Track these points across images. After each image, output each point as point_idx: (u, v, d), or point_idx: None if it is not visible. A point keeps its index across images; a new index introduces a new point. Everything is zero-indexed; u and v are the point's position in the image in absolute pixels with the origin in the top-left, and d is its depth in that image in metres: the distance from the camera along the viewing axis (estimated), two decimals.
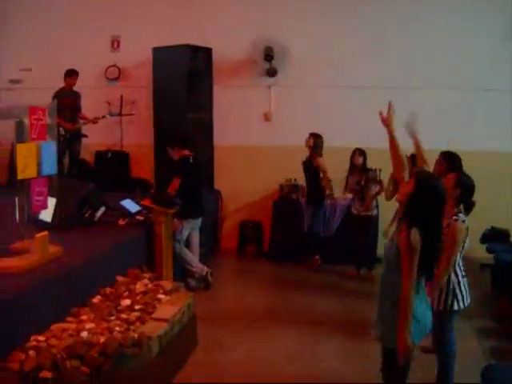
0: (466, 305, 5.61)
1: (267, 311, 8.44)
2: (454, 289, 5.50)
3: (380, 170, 9.84)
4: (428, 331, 4.65)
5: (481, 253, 9.37)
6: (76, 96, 10.64)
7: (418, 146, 5.96)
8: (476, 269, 9.43)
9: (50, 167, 6.24)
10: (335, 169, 9.94)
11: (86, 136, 10.65)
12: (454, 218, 5.36)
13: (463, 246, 5.45)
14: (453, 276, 5.49)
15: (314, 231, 10.26)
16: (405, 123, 5.81)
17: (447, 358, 5.71)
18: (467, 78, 10.55)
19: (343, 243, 10.05)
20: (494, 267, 8.90)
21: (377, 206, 9.92)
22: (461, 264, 5.60)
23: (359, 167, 9.78)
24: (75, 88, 10.58)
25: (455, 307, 5.52)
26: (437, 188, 4.41)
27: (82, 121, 10.60)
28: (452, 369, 5.72)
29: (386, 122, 5.12)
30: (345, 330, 7.57)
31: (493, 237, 9.59)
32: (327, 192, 10.14)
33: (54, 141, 6.65)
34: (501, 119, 10.58)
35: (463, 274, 5.62)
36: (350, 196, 10.10)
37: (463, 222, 5.39)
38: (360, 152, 9.76)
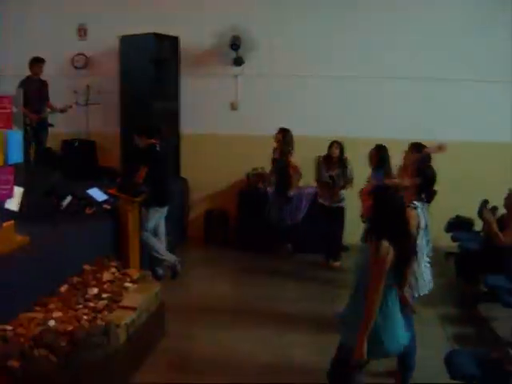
0: (423, 294, 5.74)
1: (235, 300, 8.50)
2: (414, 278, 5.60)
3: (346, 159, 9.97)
4: (402, 347, 4.73)
5: (446, 241, 9.51)
6: (43, 85, 10.54)
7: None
8: (441, 257, 9.55)
9: (16, 156, 6.22)
10: (302, 158, 10.00)
11: (51, 125, 10.57)
12: (409, 205, 5.45)
13: (418, 235, 5.55)
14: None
15: (282, 220, 10.33)
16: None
17: (407, 356, 5.68)
18: (430, 68, 10.67)
19: (311, 231, 10.10)
20: (459, 255, 9.03)
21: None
22: (421, 250, 5.69)
23: (336, 159, 9.81)
24: (42, 77, 10.49)
25: (414, 293, 5.63)
26: (393, 200, 4.56)
27: (48, 110, 10.51)
28: (413, 350, 5.81)
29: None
30: (312, 319, 7.65)
31: (457, 226, 9.73)
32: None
33: (21, 129, 6.63)
34: (464, 109, 10.72)
35: (426, 260, 5.73)
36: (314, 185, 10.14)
37: (415, 208, 5.51)
38: (337, 144, 9.78)
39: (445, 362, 5.20)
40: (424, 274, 5.73)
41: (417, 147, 7.01)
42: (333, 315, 7.06)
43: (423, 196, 5.70)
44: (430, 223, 6.06)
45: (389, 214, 4.46)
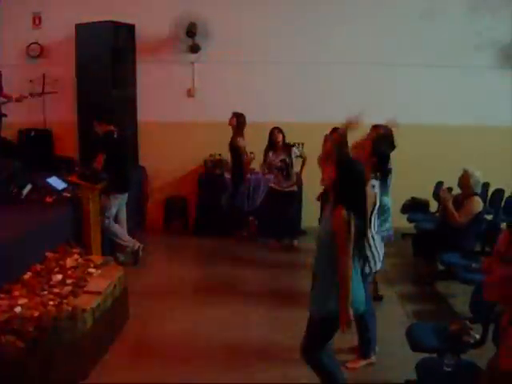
0: (378, 269, 5.92)
1: (196, 284, 8.61)
2: (365, 253, 5.77)
3: (302, 144, 10.10)
4: (362, 307, 4.90)
5: (402, 223, 9.69)
6: None
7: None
8: (398, 238, 9.73)
9: None
10: (256, 145, 10.17)
11: (5, 115, 10.45)
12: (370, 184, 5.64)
13: (373, 212, 5.74)
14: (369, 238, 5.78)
15: (238, 206, 10.45)
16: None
17: (366, 316, 5.92)
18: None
19: (268, 216, 10.22)
20: (415, 236, 9.22)
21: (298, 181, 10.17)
22: (375, 227, 5.88)
23: (280, 144, 9.94)
24: None
25: (366, 270, 5.81)
26: (356, 172, 4.74)
27: (2, 99, 10.41)
28: (372, 322, 6.09)
29: (351, 127, 5.66)
30: (273, 300, 7.80)
31: (413, 207, 9.92)
32: (247, 170, 10.46)
33: None
34: (426, 93, 10.99)
35: (376, 237, 5.91)
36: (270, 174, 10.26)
37: (373, 186, 5.71)
38: (279, 130, 9.91)
39: (406, 335, 5.38)
40: (380, 250, 5.92)
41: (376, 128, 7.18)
42: (291, 294, 7.29)
43: (378, 174, 5.89)
44: (388, 203, 6.27)
45: (351, 184, 4.66)
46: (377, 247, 5.89)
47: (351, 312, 4.62)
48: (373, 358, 6.12)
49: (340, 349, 6.12)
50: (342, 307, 4.59)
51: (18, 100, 10.10)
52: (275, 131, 9.89)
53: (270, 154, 9.96)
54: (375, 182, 5.80)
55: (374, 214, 5.75)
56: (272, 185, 10.10)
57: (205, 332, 6.85)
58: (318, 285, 4.85)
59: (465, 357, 4.86)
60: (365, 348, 6.13)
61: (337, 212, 4.55)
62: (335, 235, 4.57)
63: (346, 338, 5.79)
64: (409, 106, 10.62)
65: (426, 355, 5.02)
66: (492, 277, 2.21)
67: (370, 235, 5.77)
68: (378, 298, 7.54)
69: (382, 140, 6.38)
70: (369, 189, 5.57)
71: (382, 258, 5.99)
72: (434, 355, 4.94)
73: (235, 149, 10.23)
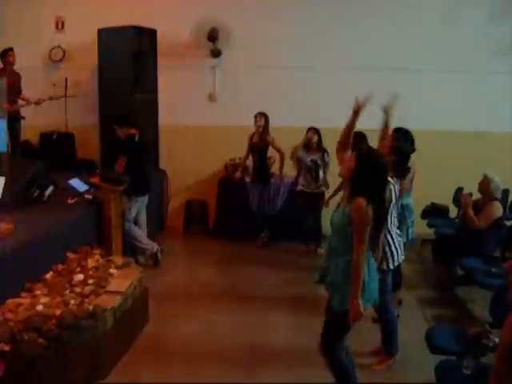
0: (396, 265, 5.93)
1: (216, 287, 8.63)
2: (385, 250, 5.80)
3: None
4: (374, 299, 4.91)
5: (422, 229, 9.68)
6: (16, 77, 10.56)
7: (387, 125, 6.24)
8: (417, 244, 9.74)
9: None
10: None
11: (23, 118, 10.54)
12: None
13: (392, 210, 5.82)
14: (388, 237, 5.80)
15: (261, 209, 10.49)
16: (385, 104, 6.09)
17: (388, 315, 6.08)
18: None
19: (290, 220, 10.24)
20: (435, 241, 9.20)
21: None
22: (393, 224, 5.93)
23: (314, 146, 9.94)
24: (18, 69, 10.51)
25: (390, 266, 5.86)
26: (378, 163, 4.72)
27: (21, 102, 10.51)
28: (394, 322, 6.09)
29: (358, 109, 5.31)
30: (293, 304, 7.82)
31: (433, 212, 9.93)
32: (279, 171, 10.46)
33: (4, 119, 6.67)
34: (441, 99, 10.93)
35: (397, 232, 5.93)
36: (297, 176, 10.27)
37: (392, 184, 5.76)
38: (315, 130, 9.88)
39: (425, 338, 5.38)
40: (398, 246, 5.93)
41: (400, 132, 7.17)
42: (312, 298, 7.30)
43: (397, 172, 5.90)
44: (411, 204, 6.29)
45: (372, 176, 4.63)
46: (396, 245, 5.90)
47: (362, 304, 4.61)
48: (397, 357, 6.15)
49: (361, 352, 6.13)
50: (352, 297, 4.59)
51: (37, 103, 10.23)
52: (311, 131, 9.87)
53: (302, 151, 9.93)
54: (392, 179, 5.81)
55: (390, 211, 5.77)
56: (300, 187, 10.06)
57: (223, 334, 6.88)
58: (332, 275, 4.84)
59: (484, 360, 4.86)
60: (389, 347, 6.15)
61: (357, 202, 4.55)
62: (351, 225, 4.59)
63: (367, 342, 5.85)
64: (429, 111, 10.62)
65: (445, 358, 5.02)
66: None
67: (388, 232, 5.82)
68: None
69: (402, 139, 6.38)
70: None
71: (400, 256, 6.00)
72: (453, 358, 4.94)
73: (262, 148, 10.25)
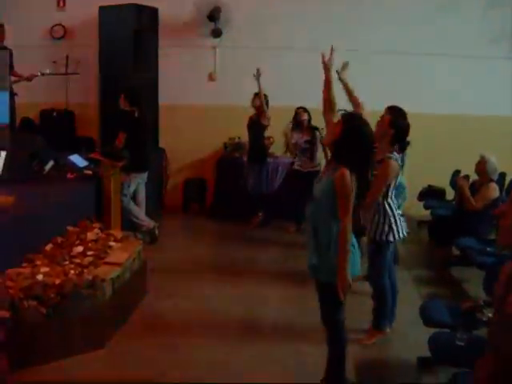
0: (402, 236, 5.98)
1: (212, 263, 8.81)
2: (389, 221, 5.85)
3: (323, 129, 10.15)
4: (355, 272, 4.89)
5: (418, 211, 9.79)
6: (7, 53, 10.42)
7: (348, 90, 6.36)
8: (414, 225, 9.81)
9: (2, 116, 6.29)
10: (276, 128, 10.25)
11: (16, 94, 10.50)
12: (388, 155, 5.71)
13: (395, 183, 5.85)
14: (388, 210, 5.85)
15: (258, 189, 10.54)
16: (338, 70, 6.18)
17: (382, 288, 6.12)
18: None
19: (287, 200, 10.29)
20: (431, 222, 9.29)
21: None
22: (393, 200, 5.96)
23: (305, 125, 10.00)
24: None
25: (391, 238, 5.88)
26: (362, 129, 4.68)
27: (13, 78, 10.43)
28: (387, 295, 6.14)
29: (327, 65, 5.38)
30: (286, 278, 7.89)
31: (430, 194, 10.02)
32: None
33: (5, 91, 6.68)
34: (437, 83, 10.99)
35: (397, 209, 5.99)
36: (290, 156, 10.35)
37: (395, 160, 5.77)
38: (304, 109, 9.98)
39: (419, 311, 5.46)
40: (399, 219, 5.99)
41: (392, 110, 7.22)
42: (305, 273, 7.38)
43: (396, 147, 5.94)
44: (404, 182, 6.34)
45: (355, 142, 4.59)
46: (396, 217, 5.96)
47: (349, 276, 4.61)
48: (387, 331, 6.20)
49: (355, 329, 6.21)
50: (340, 272, 4.57)
51: (29, 79, 10.16)
52: (300, 110, 9.97)
53: (295, 134, 10.01)
54: (397, 156, 5.86)
55: (391, 188, 5.84)
56: (296, 167, 10.11)
57: (219, 308, 6.94)
58: (314, 245, 4.82)
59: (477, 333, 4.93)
60: (379, 320, 6.19)
61: (340, 171, 4.53)
62: (335, 196, 4.59)
63: (361, 319, 5.96)
64: (425, 95, 10.71)
65: (439, 330, 5.09)
66: (505, 220, 2.29)
67: (392, 205, 5.89)
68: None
69: (399, 114, 6.43)
70: (393, 162, 5.69)
71: (404, 229, 6.06)
72: (447, 330, 5.01)
73: (259, 128, 10.28)
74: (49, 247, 6.50)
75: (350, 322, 5.09)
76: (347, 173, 4.52)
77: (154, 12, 11.10)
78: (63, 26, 11.42)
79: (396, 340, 6.21)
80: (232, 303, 7.07)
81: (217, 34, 11.07)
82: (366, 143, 4.65)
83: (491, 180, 7.96)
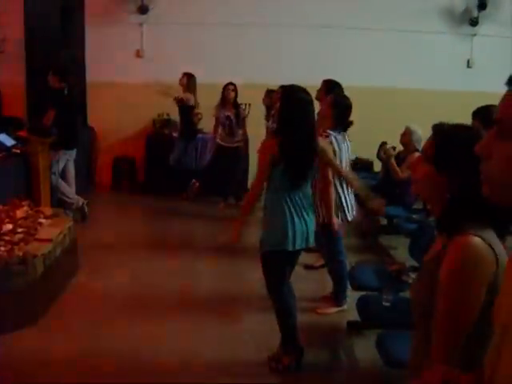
0: (352, 217, 6.12)
1: (146, 238, 8.90)
2: (340, 202, 5.98)
3: (250, 105, 10.22)
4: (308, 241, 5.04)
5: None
6: None
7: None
8: None
9: None
10: (205, 106, 10.32)
11: None
12: (324, 134, 5.78)
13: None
14: (339, 190, 5.97)
15: (186, 165, 10.62)
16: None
17: (340, 265, 6.30)
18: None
19: (214, 175, 10.36)
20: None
21: (246, 140, 10.38)
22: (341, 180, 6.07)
23: (231, 101, 10.09)
24: None
25: (339, 219, 6.00)
26: (298, 95, 4.76)
27: None
28: (346, 271, 6.24)
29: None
30: (220, 250, 7.94)
31: (357, 167, 10.19)
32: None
33: None
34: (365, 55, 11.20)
35: (346, 188, 6.10)
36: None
37: (328, 136, 5.85)
38: (232, 87, 10.05)
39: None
40: (350, 199, 6.12)
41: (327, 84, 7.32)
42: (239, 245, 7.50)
43: (338, 125, 6.04)
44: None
45: (291, 109, 4.70)
46: (348, 197, 6.09)
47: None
48: (345, 307, 6.30)
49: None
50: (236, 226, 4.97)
51: None
52: (228, 87, 10.05)
53: (219, 109, 10.09)
54: (332, 132, 5.94)
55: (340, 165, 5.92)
56: (218, 140, 10.23)
57: (153, 281, 7.01)
58: (263, 221, 4.98)
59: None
60: (339, 295, 6.33)
61: (270, 141, 4.71)
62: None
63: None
64: (353, 68, 10.84)
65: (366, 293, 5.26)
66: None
67: (340, 185, 6.02)
68: None
69: (338, 91, 6.51)
70: (324, 139, 5.72)
71: (353, 210, 6.20)
72: (375, 294, 5.16)
73: (185, 107, 10.32)
74: None
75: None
76: (275, 142, 4.69)
77: None
78: None
79: None
80: (166, 276, 7.15)
81: (143, 10, 11.02)
82: (301, 109, 4.74)
83: (416, 150, 8.13)
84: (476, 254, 2.19)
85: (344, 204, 6.05)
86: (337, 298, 6.34)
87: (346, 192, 6.08)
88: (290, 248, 4.84)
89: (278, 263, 4.93)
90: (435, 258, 2.35)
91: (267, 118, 9.49)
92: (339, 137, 6.02)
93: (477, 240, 2.20)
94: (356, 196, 6.30)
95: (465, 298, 2.19)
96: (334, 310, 6.29)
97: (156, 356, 5.27)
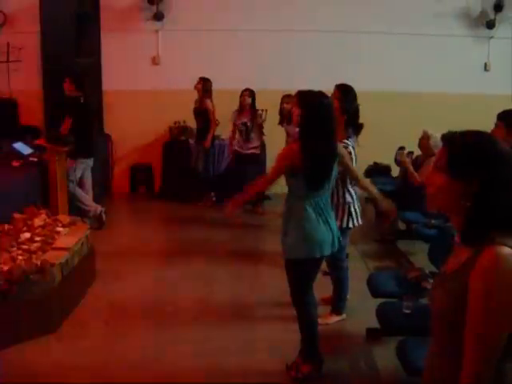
0: (359, 223, 6.07)
1: (163, 245, 8.89)
2: (349, 208, 5.93)
3: (266, 111, 10.19)
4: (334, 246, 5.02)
5: None
6: None
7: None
8: (361, 201, 9.92)
9: None
10: (224, 111, 10.26)
11: None
12: (343, 145, 5.72)
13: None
14: (347, 196, 5.92)
15: (206, 171, 10.60)
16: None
17: (344, 272, 6.20)
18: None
19: (234, 181, 10.33)
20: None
21: (263, 146, 10.36)
22: (352, 186, 6.02)
23: (247, 107, 10.07)
24: None
25: (350, 225, 5.96)
26: (320, 102, 4.76)
27: None
28: (347, 279, 6.21)
29: None
30: (238, 257, 7.98)
31: (375, 171, 10.15)
32: (213, 133, 10.52)
33: None
34: (383, 61, 11.17)
35: (355, 195, 6.06)
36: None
37: (347, 146, 5.77)
38: (249, 93, 10.04)
39: (367, 283, 5.57)
40: (358, 206, 6.09)
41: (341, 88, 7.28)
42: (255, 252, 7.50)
43: (350, 131, 5.99)
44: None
45: (313, 116, 4.68)
46: (355, 205, 6.05)
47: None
48: (344, 316, 6.24)
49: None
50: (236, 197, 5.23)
51: None
52: (245, 93, 10.04)
53: (236, 115, 10.09)
54: (349, 141, 5.85)
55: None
56: (235, 147, 10.23)
57: (171, 289, 7.00)
58: (289, 228, 4.93)
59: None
60: (339, 304, 6.25)
61: (291, 146, 4.71)
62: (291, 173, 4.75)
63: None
64: (369, 72, 10.80)
65: (386, 300, 5.20)
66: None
67: (348, 191, 5.95)
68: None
69: (347, 96, 6.47)
70: (344, 149, 5.67)
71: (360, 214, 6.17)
72: (394, 300, 5.11)
73: (203, 112, 10.32)
74: None
75: None
76: (296, 147, 4.70)
77: None
78: (3, 13, 11.21)
79: (347, 314, 6.26)
80: (186, 282, 7.16)
81: (159, 17, 11.03)
82: (324, 116, 4.76)
83: (434, 154, 8.07)
84: (510, 265, 2.15)
85: (353, 211, 6.00)
86: (338, 306, 6.28)
87: (354, 199, 6.03)
88: (318, 255, 4.84)
89: (305, 271, 4.92)
90: (461, 270, 2.29)
91: (281, 123, 9.45)
92: (353, 143, 5.99)
93: (508, 250, 2.17)
94: (370, 200, 6.25)
95: (505, 310, 2.15)
96: (334, 319, 6.21)
97: (173, 363, 5.26)
